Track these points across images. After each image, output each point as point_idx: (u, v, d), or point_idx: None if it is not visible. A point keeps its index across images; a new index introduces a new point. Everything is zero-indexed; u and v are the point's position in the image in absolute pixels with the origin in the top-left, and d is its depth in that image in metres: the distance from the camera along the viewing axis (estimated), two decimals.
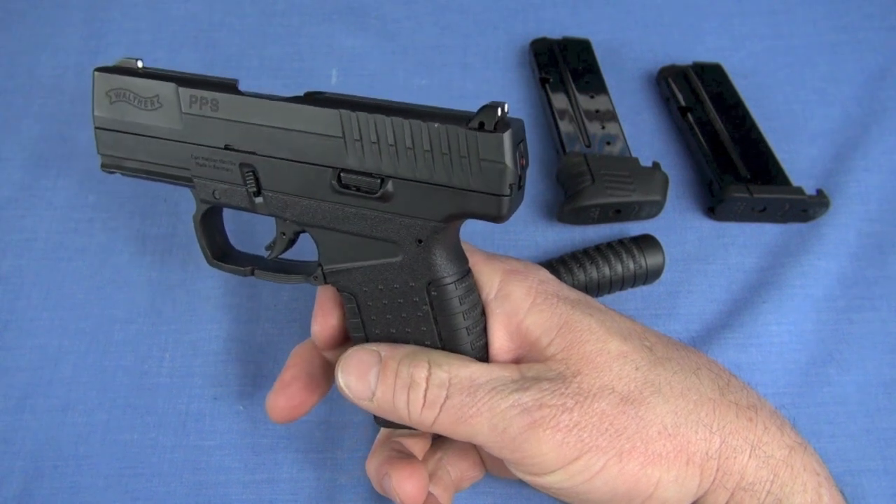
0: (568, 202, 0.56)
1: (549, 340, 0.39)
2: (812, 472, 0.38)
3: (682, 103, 0.62)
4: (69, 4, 0.70)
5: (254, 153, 0.40)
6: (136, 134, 0.42)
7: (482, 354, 0.41)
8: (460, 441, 0.41)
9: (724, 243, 0.58)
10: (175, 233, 0.59)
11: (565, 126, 0.60)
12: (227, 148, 0.41)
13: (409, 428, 0.41)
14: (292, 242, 0.43)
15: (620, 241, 0.55)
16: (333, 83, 0.66)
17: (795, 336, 0.54)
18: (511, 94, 0.65)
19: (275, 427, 0.51)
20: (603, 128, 0.60)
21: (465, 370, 0.39)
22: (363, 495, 0.49)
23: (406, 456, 0.43)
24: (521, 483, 0.49)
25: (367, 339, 0.42)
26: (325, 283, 0.41)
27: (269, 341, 0.54)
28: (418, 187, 0.37)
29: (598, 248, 0.55)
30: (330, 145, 0.39)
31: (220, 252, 0.46)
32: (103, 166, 0.44)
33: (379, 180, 0.38)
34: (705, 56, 0.66)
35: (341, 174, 0.39)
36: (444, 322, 0.40)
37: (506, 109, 0.36)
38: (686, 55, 0.66)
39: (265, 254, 0.45)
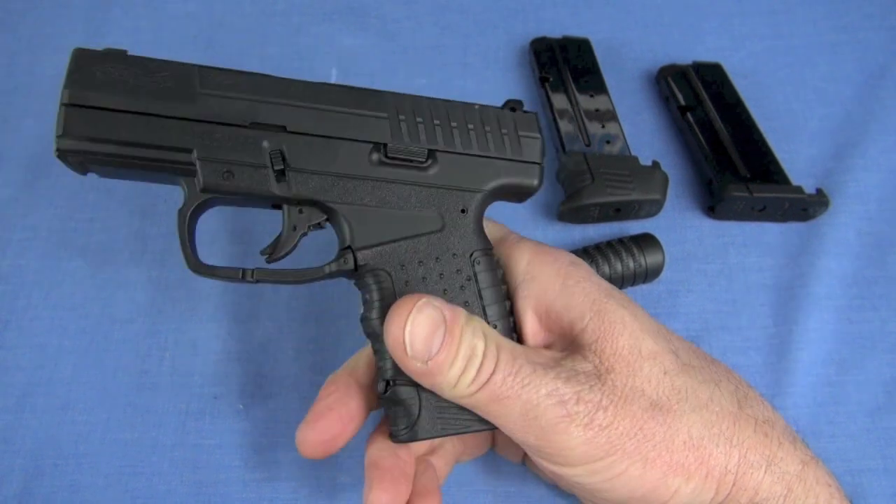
0: (568, 201, 0.56)
1: (584, 326, 0.38)
2: (824, 484, 0.38)
3: (682, 103, 0.62)
4: (69, 4, 0.70)
5: (284, 129, 0.40)
6: (125, 111, 0.38)
7: (513, 335, 0.41)
8: None
9: (723, 242, 0.58)
10: (175, 232, 0.58)
11: (565, 125, 0.60)
12: (252, 126, 0.40)
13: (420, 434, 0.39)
14: (304, 235, 0.42)
15: (620, 240, 0.55)
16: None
17: (795, 335, 0.53)
18: (511, 93, 0.65)
19: (275, 426, 0.51)
20: (603, 127, 0.60)
21: (513, 348, 0.38)
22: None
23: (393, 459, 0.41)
24: (522, 480, 0.49)
25: None
26: (356, 266, 0.40)
27: (269, 340, 0.54)
28: (463, 159, 0.42)
29: (598, 246, 0.55)
30: (374, 124, 0.41)
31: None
32: (60, 152, 0.38)
33: (426, 151, 0.41)
34: (705, 56, 0.66)
35: (387, 147, 0.41)
36: (486, 295, 0.40)
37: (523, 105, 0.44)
38: (686, 55, 0.66)
39: (260, 260, 0.42)
